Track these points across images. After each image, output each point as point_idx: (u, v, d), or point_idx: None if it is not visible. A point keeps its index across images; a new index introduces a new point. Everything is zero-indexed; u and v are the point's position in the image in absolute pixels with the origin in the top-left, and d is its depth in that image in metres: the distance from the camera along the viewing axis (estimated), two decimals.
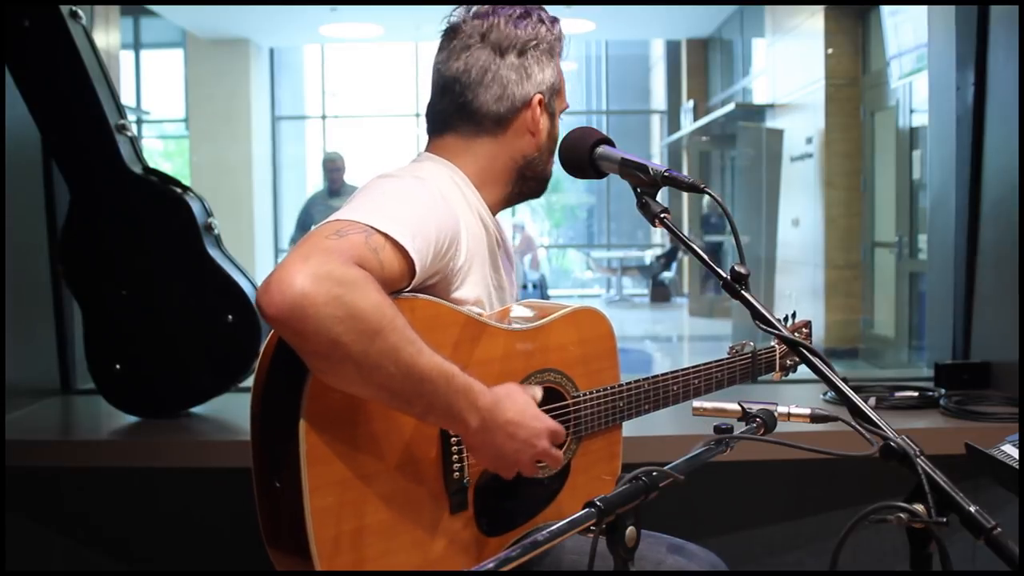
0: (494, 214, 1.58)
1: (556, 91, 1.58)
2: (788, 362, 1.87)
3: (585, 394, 1.55)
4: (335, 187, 7.64)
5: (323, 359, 1.17)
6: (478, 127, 1.54)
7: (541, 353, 1.51)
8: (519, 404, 1.35)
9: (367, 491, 1.29)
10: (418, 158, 1.57)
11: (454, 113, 1.54)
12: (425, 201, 1.38)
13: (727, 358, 1.75)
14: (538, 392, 1.43)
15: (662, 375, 1.64)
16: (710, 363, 1.72)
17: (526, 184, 1.59)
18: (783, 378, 1.88)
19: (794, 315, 1.90)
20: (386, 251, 1.24)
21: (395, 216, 1.28)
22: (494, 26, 1.53)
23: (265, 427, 1.30)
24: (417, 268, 1.28)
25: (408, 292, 1.32)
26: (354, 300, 1.15)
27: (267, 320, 1.15)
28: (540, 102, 1.54)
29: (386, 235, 1.24)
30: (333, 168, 7.73)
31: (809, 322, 1.96)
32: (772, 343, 1.84)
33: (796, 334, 1.91)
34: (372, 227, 1.24)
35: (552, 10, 1.59)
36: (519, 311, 1.58)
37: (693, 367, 1.69)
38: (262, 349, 1.31)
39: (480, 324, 1.43)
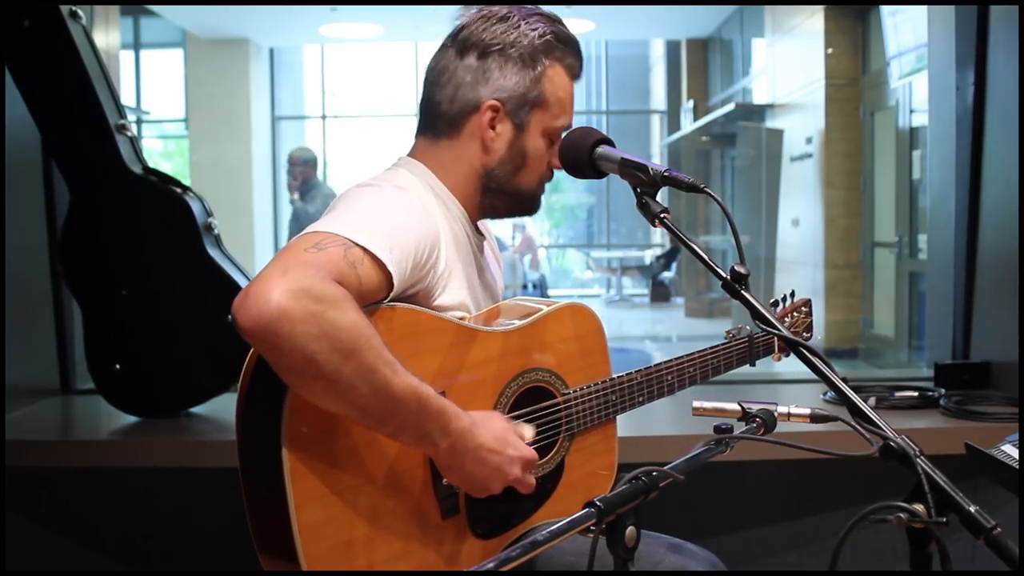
0: (474, 220, 1.56)
1: (529, 102, 1.48)
2: None
3: (575, 391, 1.53)
4: (301, 186, 7.16)
5: (297, 375, 1.17)
6: (436, 129, 1.52)
7: (528, 353, 1.49)
8: (495, 431, 1.33)
9: (355, 503, 1.28)
10: (397, 162, 1.55)
11: (421, 113, 1.54)
12: (404, 211, 1.36)
13: (723, 343, 1.72)
14: (528, 431, 1.41)
15: (655, 366, 1.61)
16: (705, 350, 1.69)
17: (495, 197, 1.53)
18: (783, 358, 1.83)
19: (792, 294, 1.87)
20: (364, 264, 1.23)
21: (373, 228, 1.26)
22: (467, 26, 1.50)
23: (248, 443, 1.30)
24: (395, 280, 1.27)
25: (387, 302, 1.30)
26: (331, 318, 1.14)
27: (242, 334, 1.14)
28: (493, 108, 1.47)
29: (364, 248, 1.23)
30: (294, 163, 7.26)
31: (808, 300, 1.92)
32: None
33: (795, 313, 1.88)
34: (351, 240, 1.23)
35: (552, 10, 1.56)
36: (504, 312, 1.56)
37: (688, 355, 1.65)
38: (244, 364, 1.29)
39: (463, 329, 1.41)
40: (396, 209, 1.36)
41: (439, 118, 1.51)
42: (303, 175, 7.27)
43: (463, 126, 1.49)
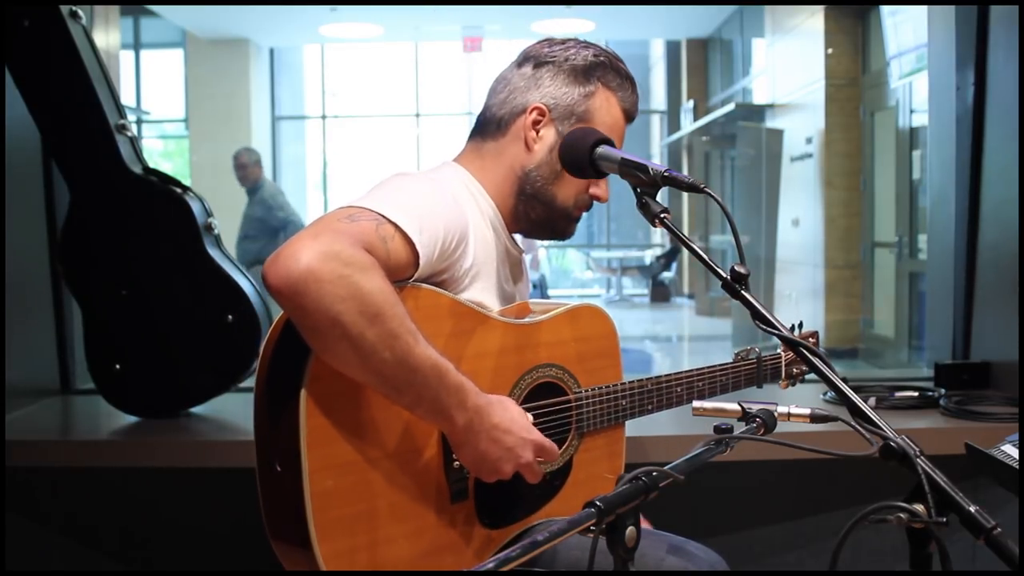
0: (511, 229, 1.59)
1: (575, 115, 1.54)
2: (795, 370, 1.87)
3: (588, 391, 1.55)
4: (246, 184, 7.37)
5: (321, 336, 1.19)
6: (484, 131, 1.58)
7: (543, 348, 1.52)
8: (511, 412, 1.35)
9: (367, 476, 1.30)
10: (441, 165, 1.60)
11: (476, 120, 1.60)
12: (437, 199, 1.41)
13: (732, 363, 1.76)
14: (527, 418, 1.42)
15: (666, 376, 1.65)
16: (715, 367, 1.72)
17: (530, 204, 1.56)
18: (789, 387, 1.88)
19: (800, 325, 1.90)
20: (394, 241, 1.27)
21: (406, 209, 1.30)
22: (536, 44, 1.60)
23: (267, 409, 1.31)
24: (422, 261, 1.30)
25: (412, 281, 1.33)
26: (358, 281, 1.17)
27: (271, 292, 1.17)
28: (538, 111, 1.53)
29: (396, 225, 1.27)
30: (237, 164, 7.45)
31: (816, 332, 1.95)
32: (778, 351, 1.84)
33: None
34: (383, 216, 1.27)
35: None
36: (522, 308, 1.58)
37: (698, 370, 1.69)
38: (268, 332, 1.32)
39: (483, 317, 1.44)
40: (429, 196, 1.41)
41: (489, 120, 1.57)
42: (252, 175, 7.38)
43: (510, 126, 1.55)
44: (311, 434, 1.24)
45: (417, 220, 1.30)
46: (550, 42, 1.59)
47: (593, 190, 1.59)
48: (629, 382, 1.61)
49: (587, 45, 1.59)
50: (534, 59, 1.57)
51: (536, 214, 1.57)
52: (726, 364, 1.75)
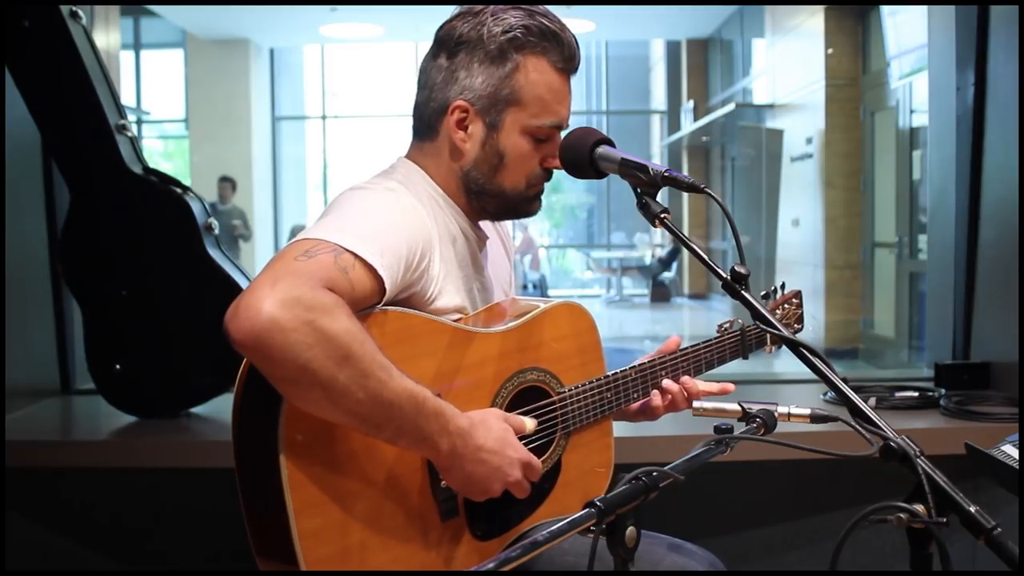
0: (472, 220, 1.53)
1: (501, 101, 1.44)
2: None
3: (570, 389, 1.53)
4: None
5: (292, 384, 1.16)
6: (419, 132, 1.52)
7: (522, 353, 1.48)
8: (494, 432, 1.32)
9: (354, 508, 1.27)
10: (394, 163, 1.54)
11: (412, 118, 1.54)
12: (395, 214, 1.36)
13: (716, 337, 1.72)
14: (529, 424, 1.40)
15: (649, 362, 1.61)
16: (698, 344, 1.68)
17: (481, 200, 1.50)
18: (774, 350, 1.81)
19: (783, 286, 1.86)
20: (356, 270, 1.21)
21: (364, 233, 1.25)
22: (448, 23, 1.48)
23: (245, 451, 1.29)
24: (387, 284, 1.26)
25: (380, 306, 1.29)
26: (324, 325, 1.12)
27: (235, 346, 1.13)
28: (461, 108, 1.44)
29: (354, 253, 1.22)
30: None
31: (799, 292, 1.90)
32: None
33: (786, 305, 1.87)
34: (340, 246, 1.21)
35: (552, 11, 1.54)
36: (498, 312, 1.55)
37: (681, 350, 1.66)
38: (238, 373, 1.28)
39: (457, 331, 1.40)
40: (386, 212, 1.35)
41: (420, 120, 1.51)
42: None
43: (439, 127, 1.48)
44: (293, 476, 1.21)
45: (376, 243, 1.25)
46: (463, 17, 1.46)
47: (549, 161, 1.49)
48: (612, 374, 1.57)
49: (499, 12, 1.44)
50: (446, 46, 1.46)
51: (491, 206, 1.51)
52: (709, 340, 1.70)
